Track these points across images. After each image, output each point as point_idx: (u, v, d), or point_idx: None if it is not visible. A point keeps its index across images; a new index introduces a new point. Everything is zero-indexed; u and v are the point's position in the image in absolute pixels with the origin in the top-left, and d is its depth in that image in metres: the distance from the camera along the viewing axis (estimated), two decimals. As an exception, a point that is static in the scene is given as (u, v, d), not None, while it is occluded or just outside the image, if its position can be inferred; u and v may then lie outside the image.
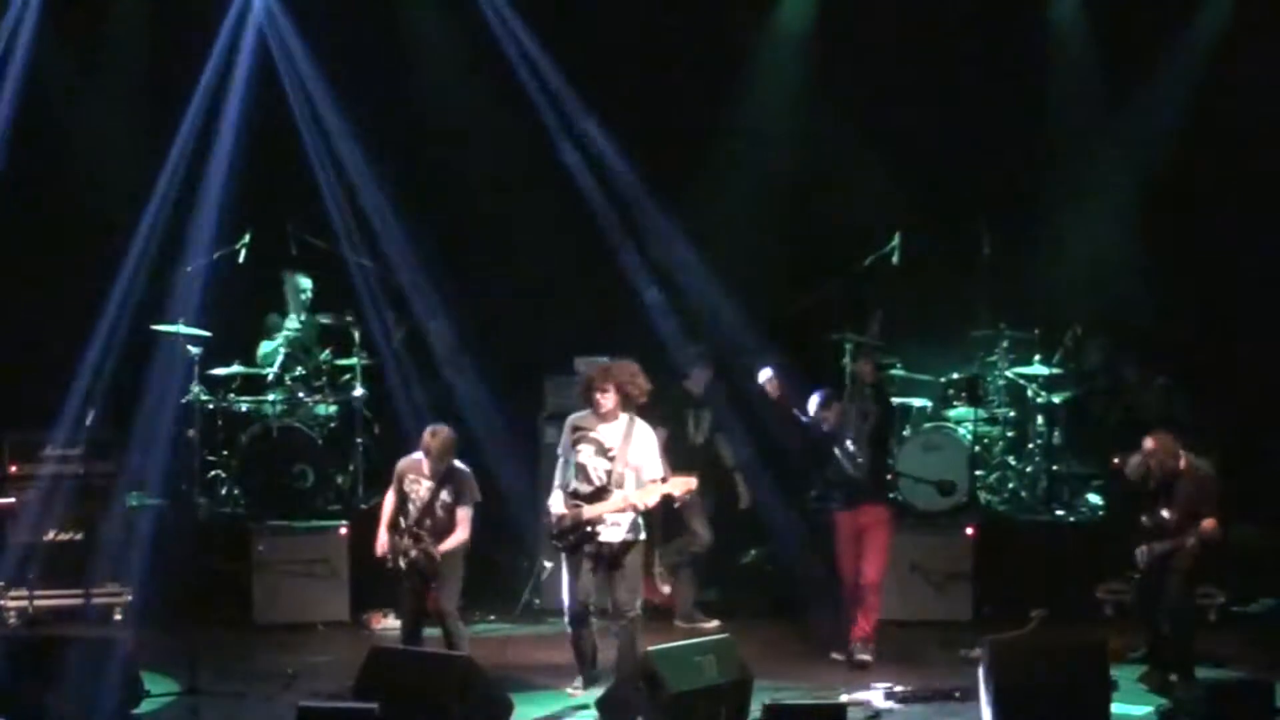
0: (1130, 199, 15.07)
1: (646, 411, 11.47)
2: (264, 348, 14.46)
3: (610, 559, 11.20)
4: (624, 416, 11.26)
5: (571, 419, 11.44)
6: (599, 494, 11.19)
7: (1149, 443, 11.83)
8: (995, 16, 14.85)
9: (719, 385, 13.65)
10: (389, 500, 11.57)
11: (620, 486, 11.15)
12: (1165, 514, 11.75)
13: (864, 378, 12.37)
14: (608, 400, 11.21)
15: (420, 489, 11.43)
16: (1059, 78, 15.16)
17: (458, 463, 11.55)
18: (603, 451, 11.21)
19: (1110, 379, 14.60)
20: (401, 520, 11.44)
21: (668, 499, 11.43)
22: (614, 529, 11.18)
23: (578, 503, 11.23)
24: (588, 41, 14.93)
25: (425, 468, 11.44)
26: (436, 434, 11.45)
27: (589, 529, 11.17)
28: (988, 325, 14.49)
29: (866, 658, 12.16)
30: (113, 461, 13.45)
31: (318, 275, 14.60)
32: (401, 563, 11.38)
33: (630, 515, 11.19)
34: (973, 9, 14.92)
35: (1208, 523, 11.59)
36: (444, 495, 11.40)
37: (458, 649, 11.32)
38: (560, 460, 11.47)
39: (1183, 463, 11.80)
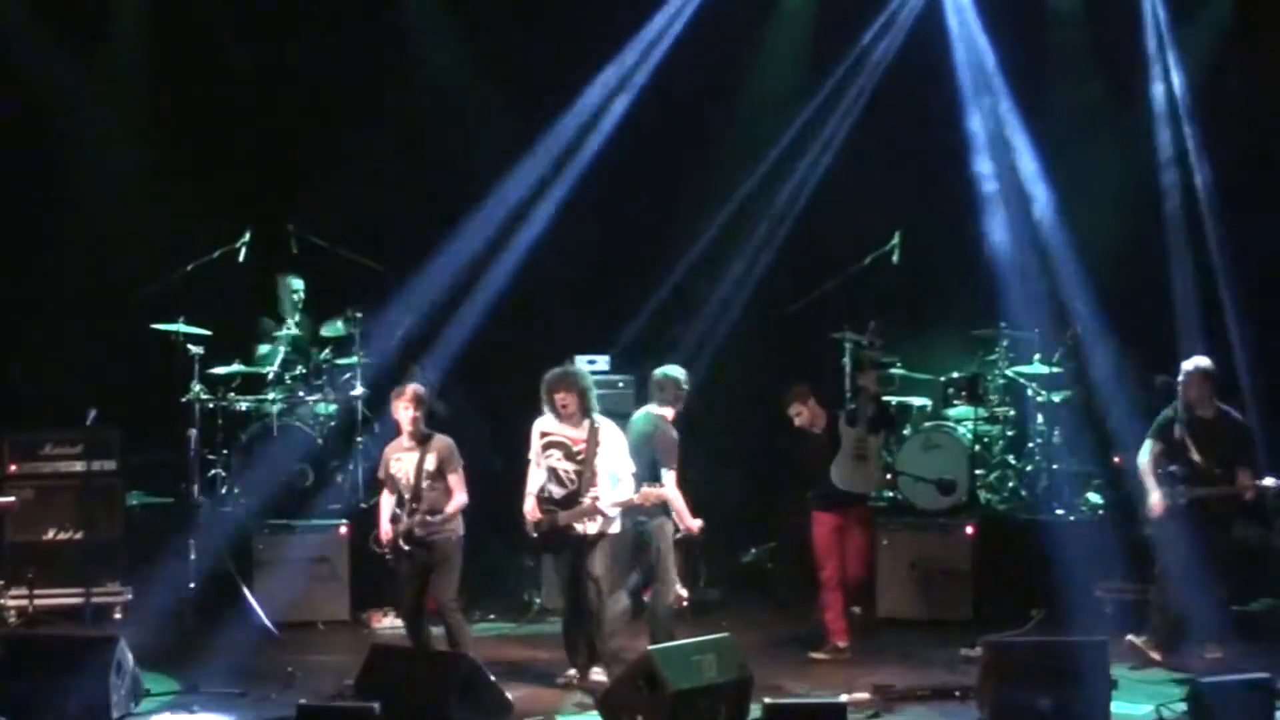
0: (1131, 197, 15.06)
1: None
2: (261, 350, 14.46)
3: (582, 550, 11.37)
4: (587, 420, 11.39)
5: (538, 424, 11.54)
6: (571, 498, 11.34)
7: (1191, 365, 11.96)
8: (994, 13, 14.84)
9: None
10: (385, 498, 11.52)
11: (592, 487, 11.29)
12: (1196, 459, 11.79)
13: (868, 390, 12.31)
14: (570, 403, 11.33)
15: (404, 464, 11.40)
16: (1059, 75, 15.15)
17: (437, 434, 11.54)
18: (570, 455, 11.36)
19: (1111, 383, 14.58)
20: (398, 510, 11.42)
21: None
22: (587, 524, 11.37)
23: (552, 507, 11.39)
24: (588, 37, 14.93)
25: (404, 440, 11.44)
26: (402, 391, 11.46)
27: (564, 531, 11.36)
28: (988, 325, 14.49)
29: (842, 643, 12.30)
30: (113, 461, 13.44)
31: (316, 276, 14.60)
32: (404, 544, 11.30)
33: (600, 518, 11.37)
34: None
35: (1245, 475, 11.72)
36: (428, 464, 11.35)
37: (460, 644, 11.32)
38: (531, 465, 11.53)
39: (1212, 411, 11.90)
